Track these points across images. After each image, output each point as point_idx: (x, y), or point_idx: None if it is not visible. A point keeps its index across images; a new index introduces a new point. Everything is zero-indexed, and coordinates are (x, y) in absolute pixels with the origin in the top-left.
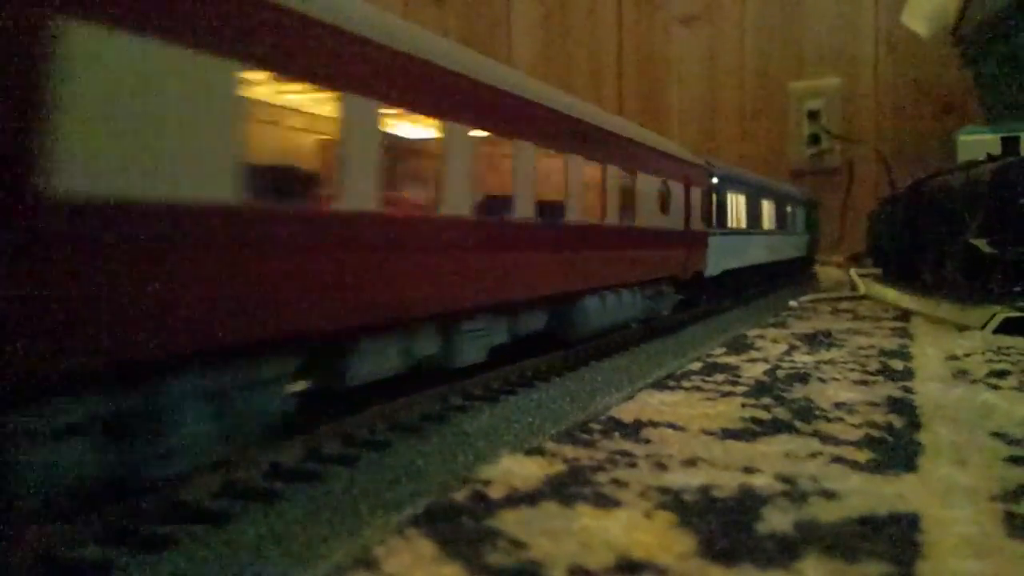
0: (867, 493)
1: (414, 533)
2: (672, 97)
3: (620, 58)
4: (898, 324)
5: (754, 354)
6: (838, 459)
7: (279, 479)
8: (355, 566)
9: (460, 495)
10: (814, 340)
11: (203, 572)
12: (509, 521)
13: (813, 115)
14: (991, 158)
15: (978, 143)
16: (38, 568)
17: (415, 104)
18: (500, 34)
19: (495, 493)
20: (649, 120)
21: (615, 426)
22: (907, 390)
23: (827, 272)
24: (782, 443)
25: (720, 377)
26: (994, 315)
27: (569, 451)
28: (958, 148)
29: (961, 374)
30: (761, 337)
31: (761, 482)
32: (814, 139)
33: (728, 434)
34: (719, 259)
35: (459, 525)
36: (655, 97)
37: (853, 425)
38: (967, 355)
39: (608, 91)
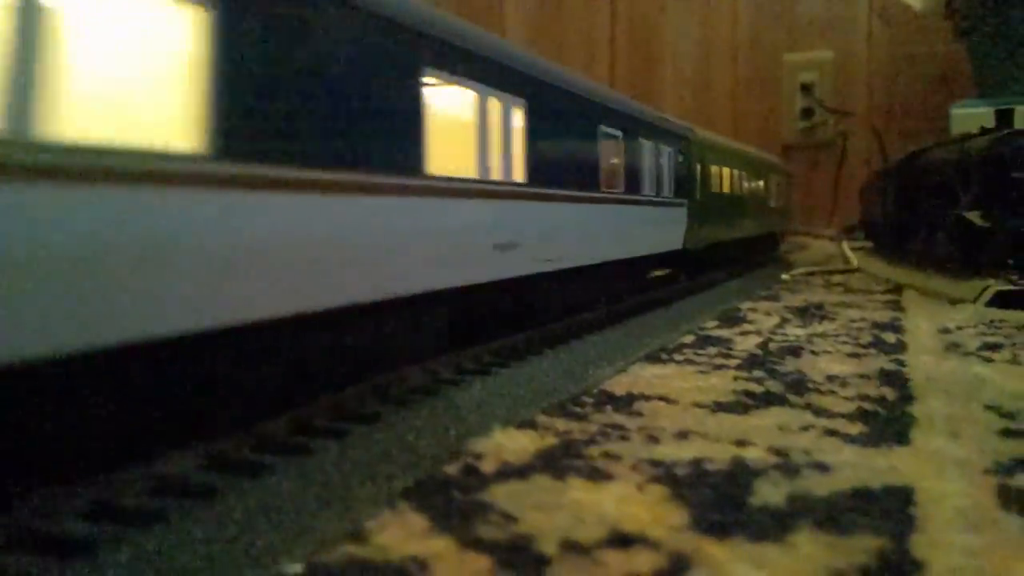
0: (860, 466)
1: (405, 507)
2: (665, 71)
3: (613, 32)
4: (890, 297)
5: (746, 327)
6: (831, 432)
7: (268, 453)
8: (345, 539)
9: (451, 469)
10: (806, 313)
11: (192, 547)
12: (500, 495)
13: (806, 88)
14: (984, 131)
15: (972, 116)
16: (23, 543)
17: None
18: (494, 7)
19: (486, 467)
20: (642, 95)
21: (607, 399)
22: (899, 363)
23: (819, 246)
24: (774, 416)
25: (712, 350)
26: (986, 288)
27: (561, 424)
28: (952, 121)
29: (953, 347)
30: (753, 310)
31: (753, 455)
32: (807, 112)
33: (720, 407)
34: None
35: (450, 499)
36: (648, 71)
37: (846, 398)
38: (959, 328)
39: (601, 66)
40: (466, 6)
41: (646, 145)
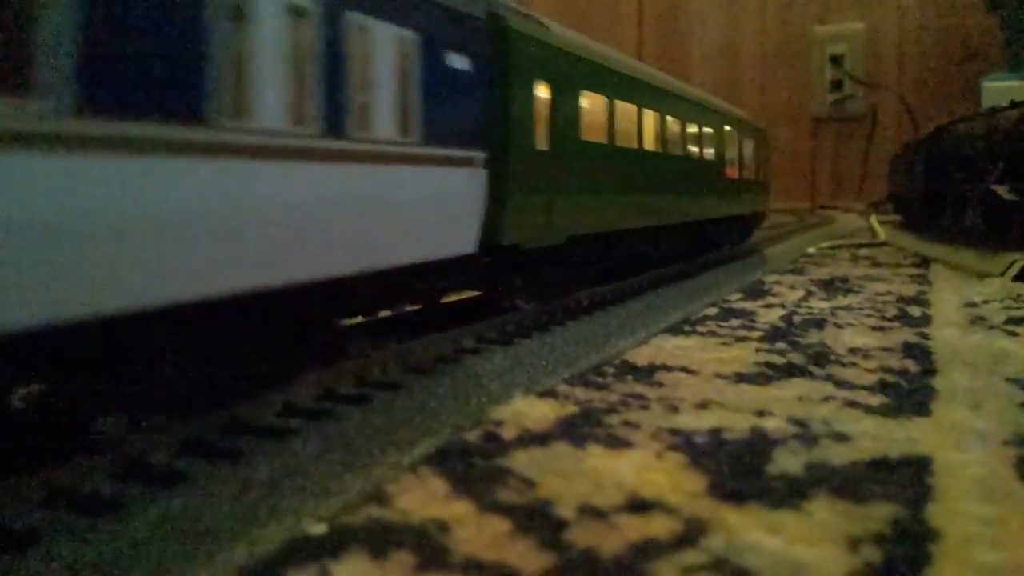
0: (879, 437)
1: (426, 471)
2: (693, 43)
3: (641, 3)
4: (917, 271)
5: (770, 299)
6: (851, 403)
7: (293, 417)
8: (368, 502)
9: (472, 435)
10: (831, 286)
11: (218, 507)
12: (520, 461)
13: (836, 60)
14: (1015, 104)
15: (1003, 89)
16: (51, 504)
17: None
18: None
19: (507, 434)
20: (669, 66)
21: (628, 370)
22: (923, 336)
23: (848, 219)
24: (795, 387)
25: (735, 322)
26: (1014, 262)
27: (581, 393)
28: (983, 94)
29: (978, 320)
30: (778, 283)
31: (773, 425)
32: (837, 85)
33: (741, 378)
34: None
35: (471, 464)
36: (676, 43)
37: (868, 370)
38: (985, 302)
39: (628, 37)
40: None
41: (352, 34)
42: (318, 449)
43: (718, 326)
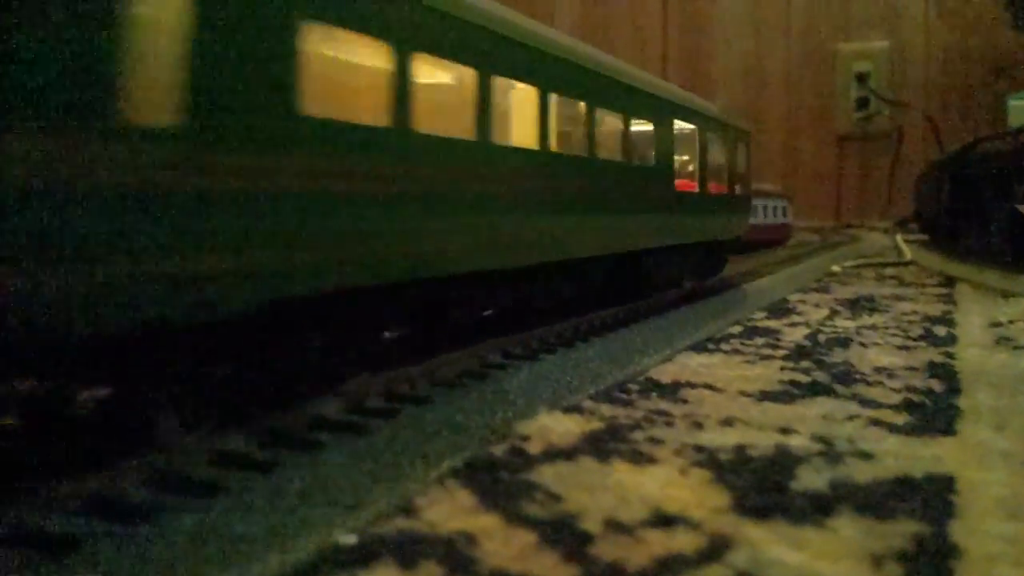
0: (903, 455)
1: (454, 485)
2: (717, 61)
3: (665, 20)
4: (943, 290)
5: (795, 318)
6: (876, 422)
7: (323, 431)
8: (397, 514)
9: (499, 449)
10: (856, 305)
11: (251, 516)
12: (546, 475)
13: (861, 78)
14: None
15: None
16: (90, 511)
17: None
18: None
19: (533, 448)
20: (694, 84)
21: (653, 386)
22: (949, 355)
23: (873, 238)
24: (820, 405)
25: (760, 341)
26: None
27: (607, 409)
28: (1009, 113)
29: (1004, 341)
30: (803, 302)
31: (797, 442)
32: (862, 103)
33: (766, 396)
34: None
35: (497, 478)
36: (700, 61)
37: (893, 389)
38: (1011, 322)
39: (652, 55)
40: None
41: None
42: (348, 461)
43: (742, 344)
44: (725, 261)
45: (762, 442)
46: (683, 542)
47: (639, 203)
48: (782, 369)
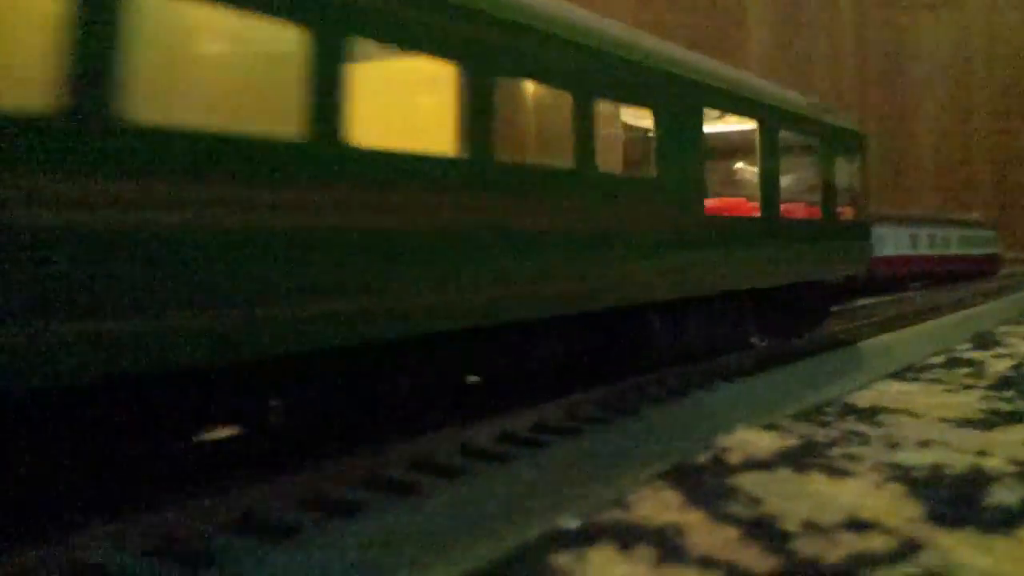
0: None
1: (661, 485)
2: (917, 89)
3: (862, 48)
4: None
5: (1000, 350)
6: None
7: (548, 432)
8: (612, 507)
9: (701, 458)
10: None
11: (494, 500)
12: (746, 481)
13: None
14: None
15: None
16: (242, 527)
17: None
18: (732, 28)
19: (733, 459)
20: (894, 125)
21: (849, 410)
22: None
23: None
24: (1020, 432)
25: (963, 371)
26: None
27: (803, 428)
28: None
29: None
30: (1009, 334)
31: (992, 464)
32: None
33: (965, 422)
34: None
35: (701, 481)
36: (900, 98)
37: None
38: None
39: (848, 84)
40: (703, 27)
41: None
42: (568, 461)
43: (944, 373)
44: (823, 313)
45: (958, 463)
46: (876, 543)
47: (667, 236)
48: (984, 398)
